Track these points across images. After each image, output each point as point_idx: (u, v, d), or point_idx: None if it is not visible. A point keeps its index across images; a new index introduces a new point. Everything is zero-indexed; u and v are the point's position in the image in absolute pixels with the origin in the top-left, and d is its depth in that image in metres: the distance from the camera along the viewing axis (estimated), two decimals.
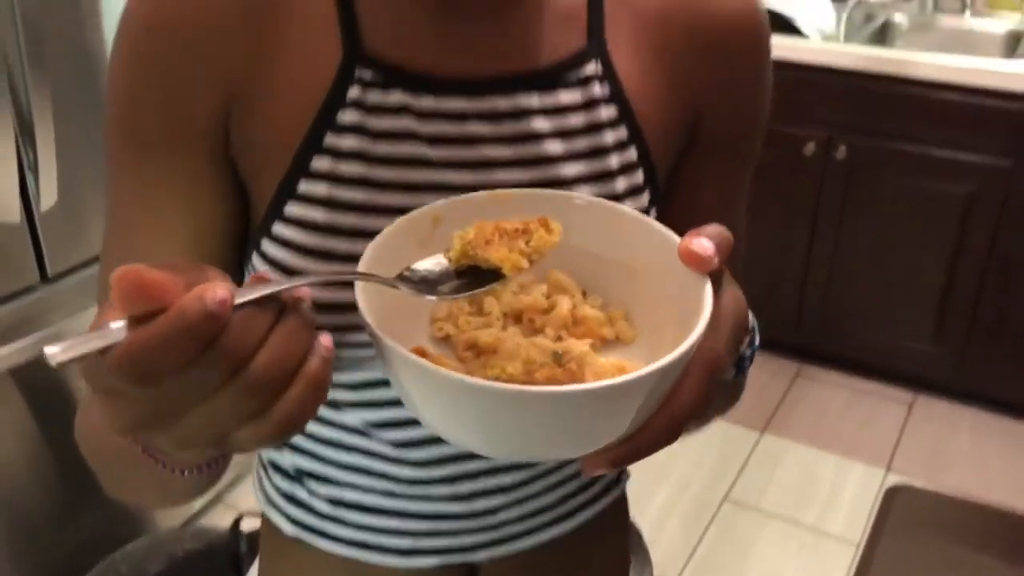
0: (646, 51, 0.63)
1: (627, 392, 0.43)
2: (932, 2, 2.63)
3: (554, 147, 0.60)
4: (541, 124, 0.60)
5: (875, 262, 2.45)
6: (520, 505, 0.68)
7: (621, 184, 0.62)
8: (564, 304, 0.52)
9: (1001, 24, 2.54)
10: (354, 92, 0.58)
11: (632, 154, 0.63)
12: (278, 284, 0.40)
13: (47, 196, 1.63)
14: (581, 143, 0.61)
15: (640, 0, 0.63)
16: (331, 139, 0.58)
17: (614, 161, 0.62)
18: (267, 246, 0.60)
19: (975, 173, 2.24)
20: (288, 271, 0.59)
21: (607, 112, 0.62)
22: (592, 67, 0.61)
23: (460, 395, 0.42)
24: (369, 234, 0.51)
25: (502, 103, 0.59)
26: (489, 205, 0.53)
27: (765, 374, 2.66)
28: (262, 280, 0.40)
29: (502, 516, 0.67)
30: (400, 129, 0.58)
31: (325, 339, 0.41)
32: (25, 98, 1.56)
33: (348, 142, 0.58)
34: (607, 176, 0.62)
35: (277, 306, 0.39)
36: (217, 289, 0.35)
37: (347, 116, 0.58)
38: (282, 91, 0.58)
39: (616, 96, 0.62)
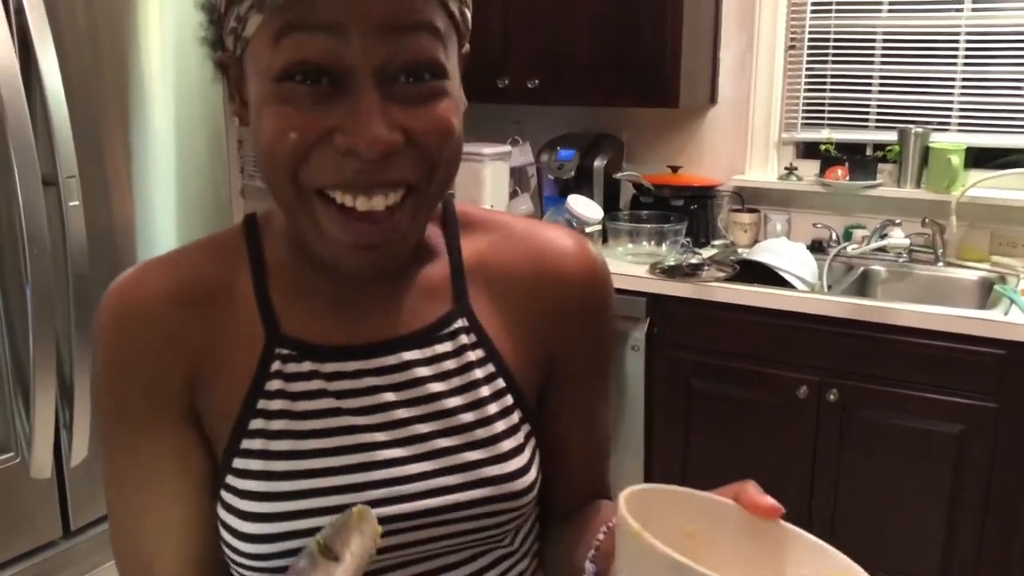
0: (502, 306, 0.79)
1: None
2: (907, 254, 2.82)
3: (436, 387, 0.76)
4: (423, 371, 0.75)
5: (877, 503, 2.48)
6: None
7: (493, 407, 0.77)
8: None
9: (972, 273, 2.72)
10: (276, 365, 0.73)
11: (500, 383, 0.78)
12: None
13: (78, 452, 1.71)
14: (456, 381, 0.76)
15: (492, 267, 0.80)
16: (263, 403, 0.73)
17: (485, 390, 0.77)
18: (224, 494, 0.73)
19: (964, 413, 2.33)
20: (239, 516, 0.71)
21: (475, 354, 0.77)
22: (460, 322, 0.77)
23: None
24: (299, 474, 0.70)
25: (390, 359, 0.75)
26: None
27: None
28: None
29: None
30: (314, 389, 0.73)
31: None
32: (69, 360, 1.68)
33: (275, 404, 0.73)
34: (481, 402, 0.77)
35: None
36: None
37: (273, 384, 0.73)
38: (224, 366, 0.73)
39: (482, 342, 0.78)
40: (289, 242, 0.75)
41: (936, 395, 2.35)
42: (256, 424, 0.72)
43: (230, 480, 0.72)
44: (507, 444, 0.76)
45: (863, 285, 2.84)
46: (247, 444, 0.72)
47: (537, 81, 3.03)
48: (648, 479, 2.83)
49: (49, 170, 1.59)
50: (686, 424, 2.73)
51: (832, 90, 3.00)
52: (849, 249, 2.86)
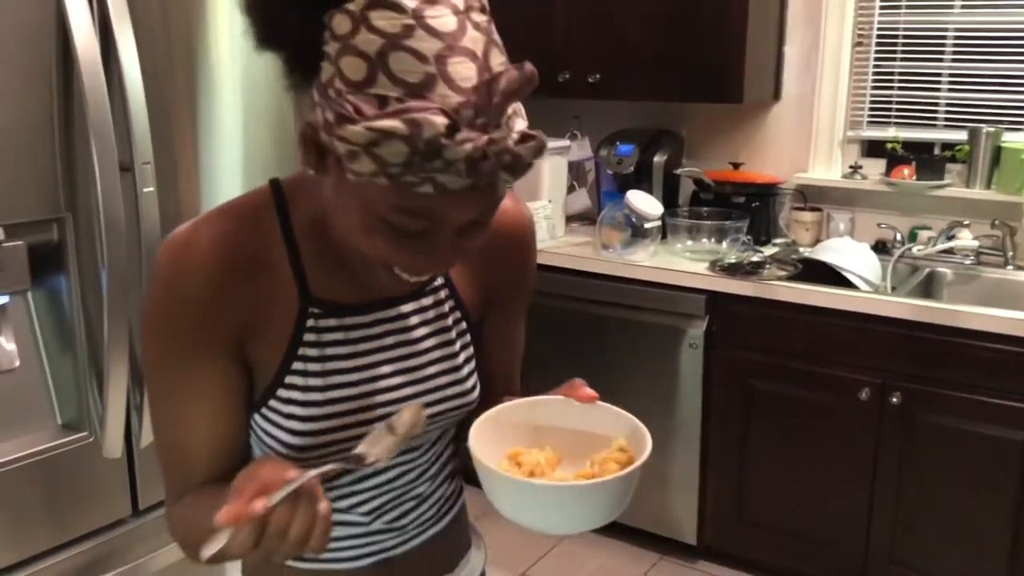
0: (465, 261, 1.00)
1: (632, 478, 0.84)
2: (975, 256, 2.76)
3: (421, 331, 1.01)
4: (414, 319, 1.00)
5: (940, 508, 2.44)
6: (423, 522, 1.08)
7: (458, 344, 1.03)
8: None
9: None
10: (311, 322, 0.94)
11: (463, 325, 1.04)
12: (292, 484, 0.73)
13: (148, 433, 1.74)
14: (435, 325, 1.01)
15: None
16: (302, 351, 0.93)
17: (453, 332, 1.03)
18: (269, 414, 0.94)
19: None
20: (284, 430, 0.93)
21: (448, 304, 1.02)
22: (439, 280, 1.02)
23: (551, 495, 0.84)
24: (328, 402, 0.93)
25: (392, 312, 0.99)
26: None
27: None
28: (288, 479, 0.74)
29: (413, 526, 1.07)
30: (338, 339, 0.95)
31: (324, 507, 0.75)
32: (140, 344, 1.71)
33: (311, 352, 0.94)
34: (450, 341, 1.02)
35: (295, 494, 0.74)
36: (258, 504, 0.71)
37: (309, 337, 0.94)
38: (268, 321, 0.92)
39: (452, 294, 1.03)
40: (318, 222, 0.92)
41: (1003, 400, 2.30)
42: (297, 366, 0.93)
43: (274, 404, 0.93)
44: (465, 370, 1.03)
45: (928, 287, 2.79)
46: (290, 380, 0.93)
47: (598, 75, 3.02)
48: (703, 478, 2.81)
49: (125, 156, 1.62)
50: (744, 424, 2.70)
51: (900, 87, 2.94)
52: (914, 250, 2.81)
